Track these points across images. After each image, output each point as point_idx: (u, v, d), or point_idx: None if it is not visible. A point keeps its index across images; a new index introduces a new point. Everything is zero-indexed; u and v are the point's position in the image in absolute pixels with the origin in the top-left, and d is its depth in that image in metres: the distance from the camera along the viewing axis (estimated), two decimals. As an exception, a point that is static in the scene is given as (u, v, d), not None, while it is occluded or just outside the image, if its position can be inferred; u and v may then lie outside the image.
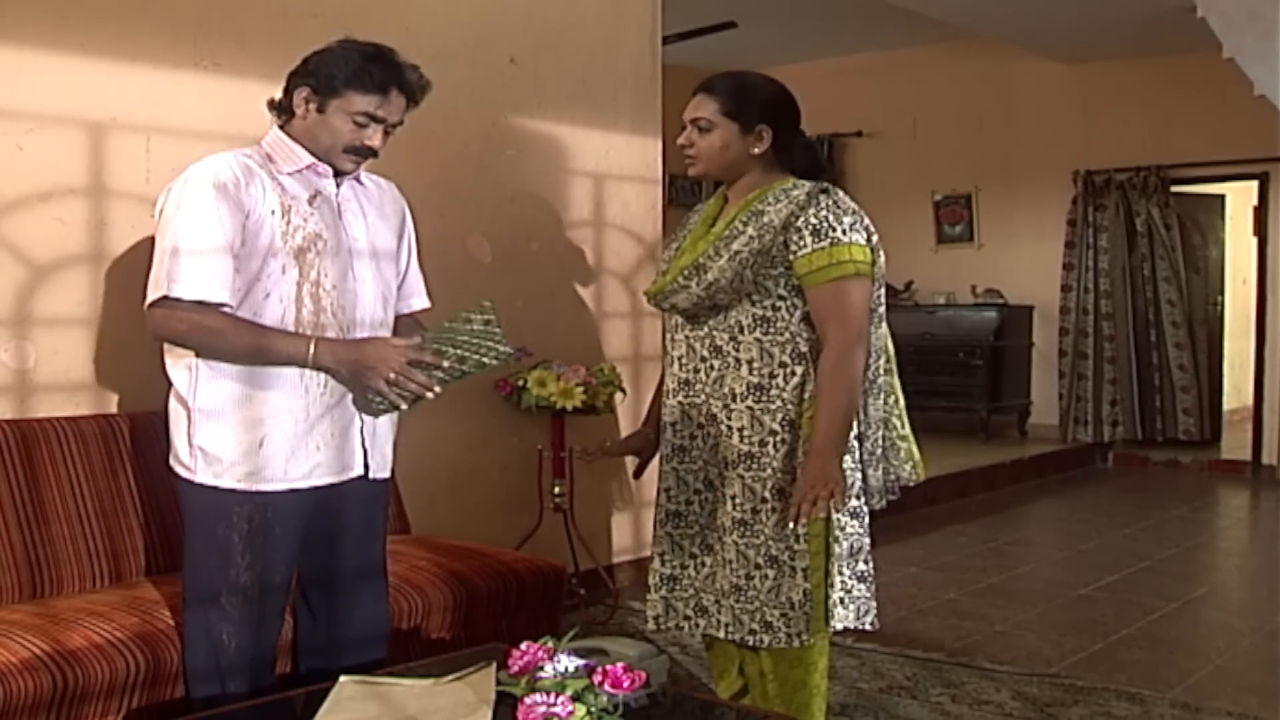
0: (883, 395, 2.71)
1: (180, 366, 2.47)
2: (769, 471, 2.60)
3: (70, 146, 3.14)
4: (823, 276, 2.53)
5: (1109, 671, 3.85)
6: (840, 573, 2.60)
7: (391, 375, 2.42)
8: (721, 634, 2.68)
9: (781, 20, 8.16)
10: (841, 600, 2.60)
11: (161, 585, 2.87)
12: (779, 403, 2.59)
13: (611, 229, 4.65)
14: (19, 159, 3.05)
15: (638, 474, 3.07)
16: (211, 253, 2.37)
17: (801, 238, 2.53)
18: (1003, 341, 8.82)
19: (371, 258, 2.58)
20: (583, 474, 4.34)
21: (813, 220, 2.53)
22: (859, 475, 2.66)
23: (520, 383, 4.04)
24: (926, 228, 9.42)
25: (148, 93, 3.27)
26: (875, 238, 2.62)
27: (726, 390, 2.63)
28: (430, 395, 2.46)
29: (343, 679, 2.24)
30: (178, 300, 2.37)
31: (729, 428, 2.64)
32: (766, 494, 2.60)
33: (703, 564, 2.73)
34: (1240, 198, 9.12)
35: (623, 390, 4.25)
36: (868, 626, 2.65)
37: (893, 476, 2.76)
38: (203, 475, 2.46)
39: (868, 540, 2.67)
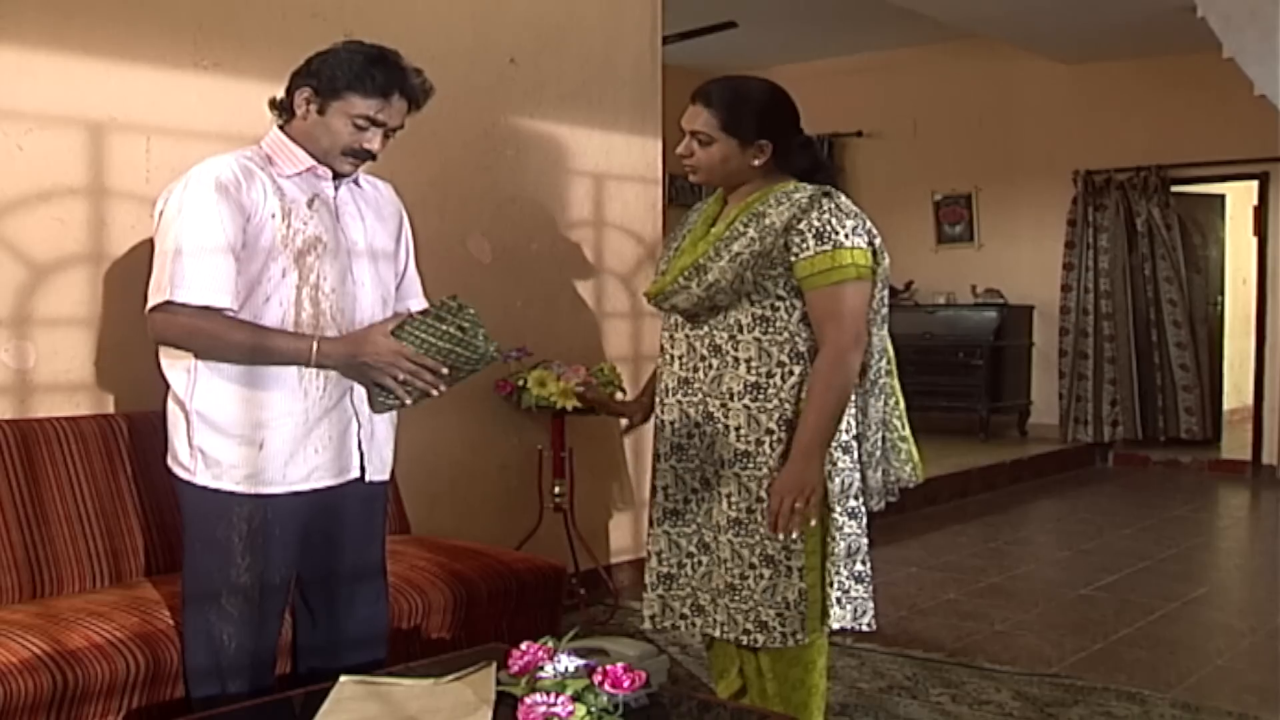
0: (883, 396, 2.71)
1: (178, 368, 2.47)
2: (765, 471, 2.60)
3: (70, 146, 3.14)
4: (823, 280, 2.53)
5: (1109, 671, 3.85)
6: (837, 573, 2.60)
7: (401, 375, 2.44)
8: (717, 633, 2.68)
9: (781, 20, 8.16)
10: (838, 600, 2.60)
11: (161, 585, 2.87)
12: (776, 402, 2.60)
13: (611, 229, 4.65)
14: (19, 159, 3.06)
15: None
16: (214, 256, 2.36)
17: (804, 241, 2.53)
18: (1003, 341, 8.82)
19: (370, 260, 2.58)
20: (583, 474, 4.34)
21: (815, 224, 2.53)
22: (858, 476, 2.66)
23: (520, 383, 4.04)
24: (926, 227, 9.42)
25: (147, 93, 3.27)
26: (878, 240, 2.62)
27: (724, 389, 2.63)
28: (435, 394, 2.49)
29: (343, 679, 2.24)
30: (181, 305, 2.36)
31: (726, 426, 2.64)
32: (762, 493, 2.59)
33: (699, 563, 2.73)
34: (1240, 198, 9.12)
35: (623, 390, 4.25)
36: (864, 627, 2.65)
37: (892, 478, 2.76)
38: (202, 477, 2.45)
39: (865, 541, 2.67)
